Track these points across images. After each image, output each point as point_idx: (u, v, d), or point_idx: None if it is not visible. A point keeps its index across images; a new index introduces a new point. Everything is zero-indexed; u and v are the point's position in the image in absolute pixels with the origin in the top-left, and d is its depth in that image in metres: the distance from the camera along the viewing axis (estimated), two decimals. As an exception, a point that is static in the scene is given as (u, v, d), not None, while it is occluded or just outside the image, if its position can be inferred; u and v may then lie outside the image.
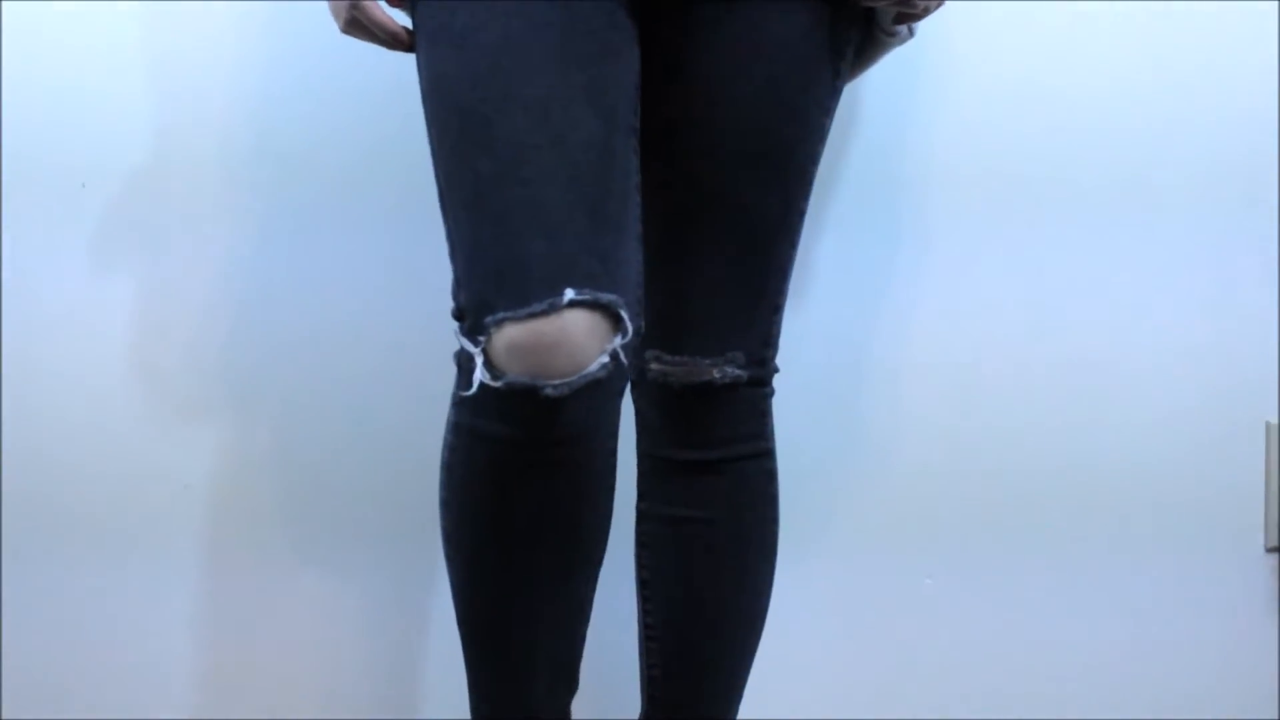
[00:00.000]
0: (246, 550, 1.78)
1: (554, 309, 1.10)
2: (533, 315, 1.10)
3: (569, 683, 1.35)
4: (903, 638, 1.76)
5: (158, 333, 1.75)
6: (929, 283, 1.73)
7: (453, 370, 1.23)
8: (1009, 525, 1.75)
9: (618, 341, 1.14)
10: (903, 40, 1.38)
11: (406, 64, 1.30)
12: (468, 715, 1.34)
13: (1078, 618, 1.75)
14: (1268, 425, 1.73)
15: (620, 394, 1.22)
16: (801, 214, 1.36)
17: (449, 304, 1.21)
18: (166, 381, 1.75)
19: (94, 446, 1.76)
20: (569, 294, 1.10)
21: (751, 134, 1.30)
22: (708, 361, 1.34)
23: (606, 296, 1.12)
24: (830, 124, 1.35)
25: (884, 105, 1.72)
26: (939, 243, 1.73)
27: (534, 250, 1.12)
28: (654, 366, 1.36)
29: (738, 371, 1.35)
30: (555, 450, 1.18)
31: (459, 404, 1.20)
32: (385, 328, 1.74)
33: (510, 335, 1.11)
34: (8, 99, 1.71)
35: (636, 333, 1.16)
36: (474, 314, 1.14)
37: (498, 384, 1.12)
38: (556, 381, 1.12)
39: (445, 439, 1.24)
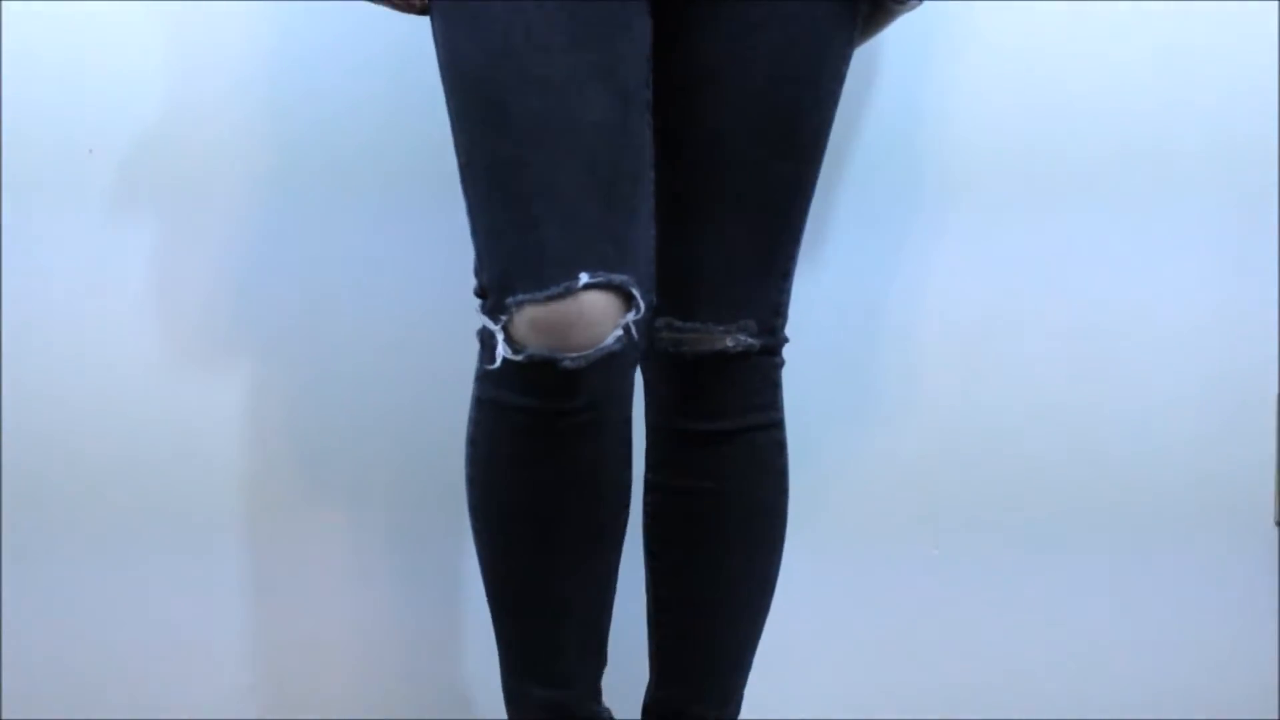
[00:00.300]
0: (258, 539, 1.78)
1: (570, 292, 1.16)
2: (550, 298, 1.16)
3: (598, 655, 1.38)
4: (908, 606, 1.76)
5: (165, 304, 1.74)
6: (941, 253, 1.73)
7: (468, 343, 1.27)
8: (1017, 496, 1.75)
9: (631, 317, 1.20)
10: (911, 8, 1.39)
11: (420, 27, 1.30)
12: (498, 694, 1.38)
13: (1085, 590, 1.75)
14: (1279, 399, 1.73)
15: (634, 365, 1.28)
16: (814, 180, 1.36)
17: (462, 274, 1.27)
18: (173, 353, 1.75)
19: (97, 428, 1.76)
20: (584, 278, 1.16)
21: (764, 101, 1.30)
22: (720, 329, 1.33)
23: (619, 277, 1.18)
24: (841, 89, 1.35)
25: (900, 73, 1.71)
26: (952, 214, 1.73)
27: (550, 235, 1.17)
28: (665, 335, 1.35)
29: (750, 340, 1.34)
30: (575, 418, 1.23)
31: (482, 379, 1.27)
32: (399, 299, 1.74)
33: (530, 314, 1.18)
34: (11, 64, 1.71)
35: (649, 308, 1.22)
36: (495, 294, 1.20)
37: (519, 357, 1.18)
38: (574, 354, 1.18)
39: (470, 415, 1.30)
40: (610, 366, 1.21)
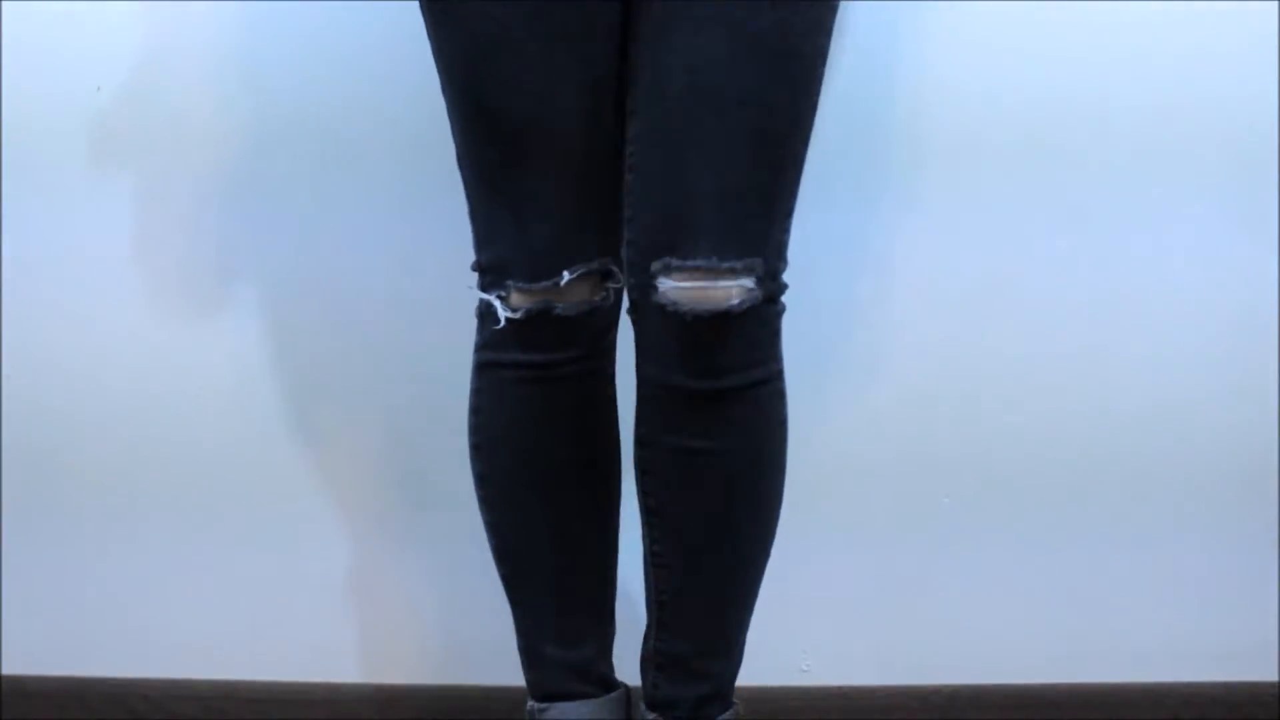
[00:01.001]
0: (247, 503, 1.79)
1: (556, 287, 1.32)
2: (541, 290, 1.33)
3: (608, 617, 1.46)
4: (917, 556, 1.76)
5: (167, 248, 1.74)
6: (949, 205, 1.69)
7: (459, 284, 1.40)
8: (1027, 449, 1.73)
9: (611, 285, 1.36)
10: None
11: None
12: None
13: (1092, 546, 1.75)
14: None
15: (615, 320, 1.41)
16: (811, 113, 1.30)
17: (448, 220, 1.43)
18: (159, 313, 1.75)
19: (86, 387, 1.78)
20: (566, 275, 1.32)
21: (753, 25, 1.24)
22: (725, 265, 1.26)
23: (596, 263, 1.34)
24: (835, 16, 1.30)
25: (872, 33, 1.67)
26: (964, 169, 1.69)
27: (536, 236, 1.33)
28: (662, 281, 1.28)
29: (754, 288, 1.27)
30: (569, 368, 1.37)
31: (482, 348, 1.39)
32: (392, 257, 1.73)
33: (523, 294, 1.34)
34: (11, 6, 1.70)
35: (622, 271, 1.36)
36: (494, 274, 1.35)
37: (518, 315, 1.33)
38: (565, 304, 1.33)
39: (471, 386, 1.40)
40: (596, 317, 1.36)
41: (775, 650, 1.73)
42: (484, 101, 1.29)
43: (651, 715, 1.39)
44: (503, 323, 1.32)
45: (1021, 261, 1.70)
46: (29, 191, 1.73)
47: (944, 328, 1.72)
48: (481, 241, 1.35)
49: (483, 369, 1.38)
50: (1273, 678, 1.74)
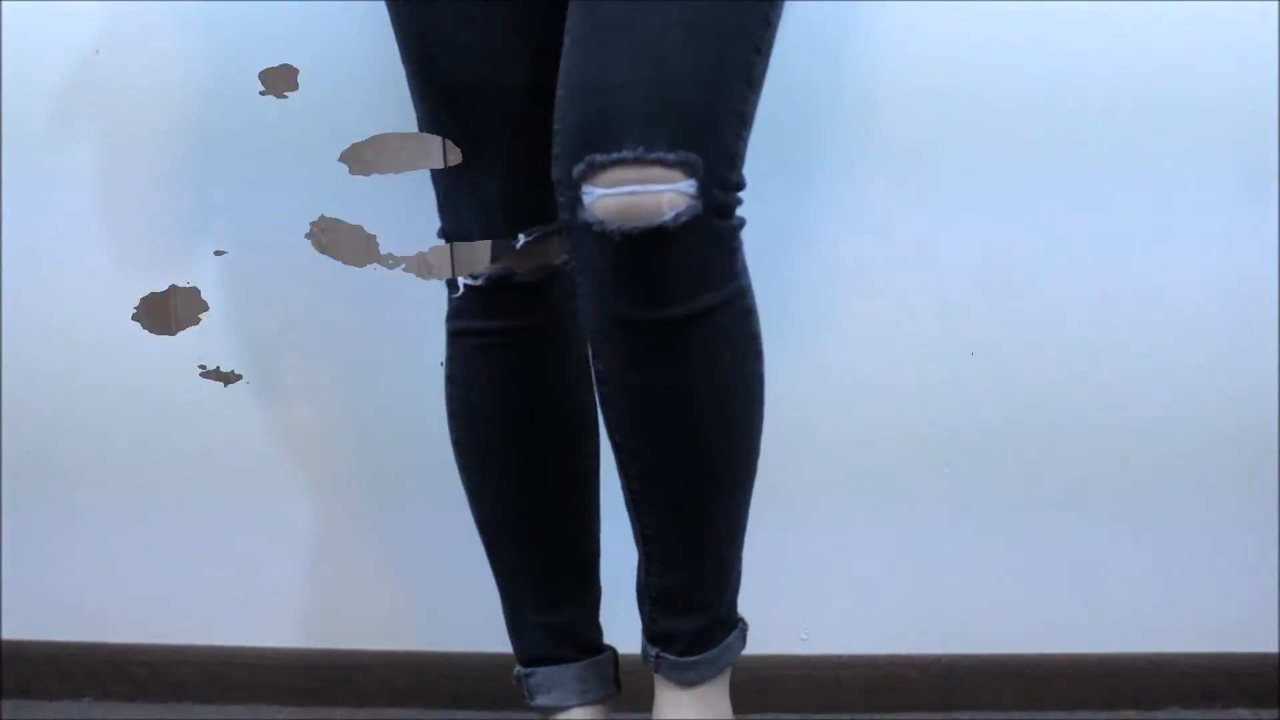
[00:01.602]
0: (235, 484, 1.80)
1: (513, 250, 1.34)
2: (502, 254, 1.35)
3: (593, 580, 1.45)
4: (918, 525, 1.75)
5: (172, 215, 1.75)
6: (954, 176, 1.68)
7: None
8: (1028, 420, 1.72)
9: (569, 246, 1.27)
10: None
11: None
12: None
13: (1093, 519, 1.74)
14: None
15: None
16: (766, 21, 1.19)
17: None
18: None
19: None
20: (522, 238, 1.34)
21: None
22: (653, 156, 1.11)
23: (553, 225, 1.32)
24: None
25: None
26: (969, 140, 1.68)
27: (492, 198, 1.34)
28: (588, 192, 1.14)
29: (693, 198, 1.12)
30: (537, 334, 1.38)
31: (453, 316, 1.40)
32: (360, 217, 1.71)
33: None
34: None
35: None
36: (455, 239, 1.37)
37: (478, 282, 1.35)
38: (525, 270, 1.35)
39: (445, 356, 1.42)
40: (558, 282, 1.36)
41: (774, 619, 1.71)
42: (436, 69, 1.32)
43: (653, 650, 1.33)
44: (462, 289, 1.35)
45: (1023, 234, 1.69)
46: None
47: (947, 298, 1.71)
48: (443, 209, 1.38)
49: (454, 337, 1.40)
50: (1273, 649, 1.73)
